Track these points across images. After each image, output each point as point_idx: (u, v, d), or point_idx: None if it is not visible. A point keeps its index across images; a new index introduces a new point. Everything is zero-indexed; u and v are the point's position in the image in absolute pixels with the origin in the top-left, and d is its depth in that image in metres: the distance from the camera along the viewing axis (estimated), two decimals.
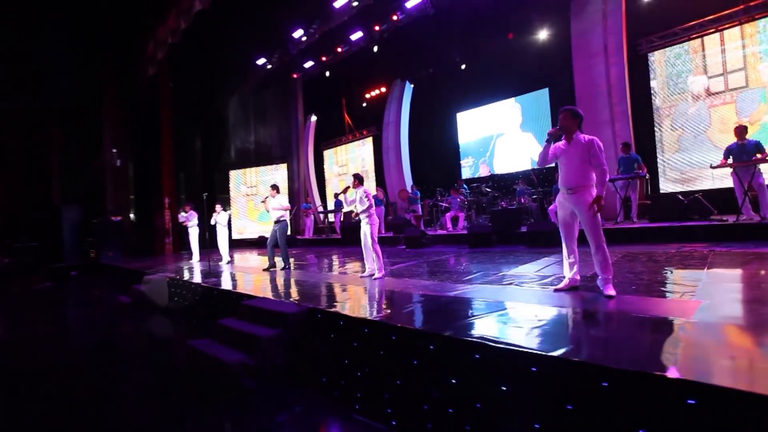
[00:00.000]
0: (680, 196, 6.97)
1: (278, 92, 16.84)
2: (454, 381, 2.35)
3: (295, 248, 12.50)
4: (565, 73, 10.93)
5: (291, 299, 4.01)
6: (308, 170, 17.08)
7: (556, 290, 3.50)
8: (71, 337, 5.83)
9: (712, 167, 6.28)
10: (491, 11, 11.68)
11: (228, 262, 8.97)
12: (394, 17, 11.96)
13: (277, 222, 6.89)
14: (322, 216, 15.93)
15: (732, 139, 6.23)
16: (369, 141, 15.64)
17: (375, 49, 13.21)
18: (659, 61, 8.58)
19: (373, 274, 5.23)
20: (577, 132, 3.23)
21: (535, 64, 11.89)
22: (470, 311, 3.05)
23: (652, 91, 8.70)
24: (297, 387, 3.30)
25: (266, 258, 7.09)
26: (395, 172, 14.42)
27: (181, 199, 15.74)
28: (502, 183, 12.82)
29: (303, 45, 13.88)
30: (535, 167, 12.20)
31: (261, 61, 15.22)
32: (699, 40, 8.14)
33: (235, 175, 17.32)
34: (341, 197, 5.71)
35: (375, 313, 3.21)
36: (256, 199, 16.69)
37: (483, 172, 14.11)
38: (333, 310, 3.37)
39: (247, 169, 17.17)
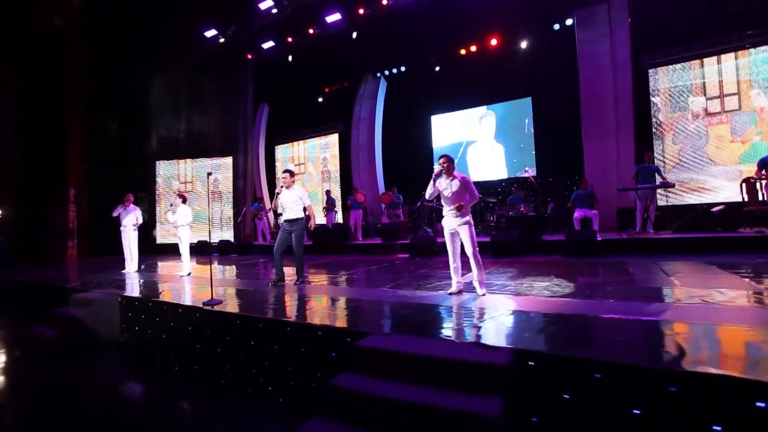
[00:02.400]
0: (711, 209, 7.00)
1: (224, 73, 14.36)
2: None
3: (251, 256, 10.41)
4: (552, 83, 10.99)
5: (446, 335, 2.58)
6: (258, 166, 14.83)
7: None
8: None
9: (752, 180, 6.34)
10: (475, 14, 11.28)
11: (189, 274, 6.79)
12: (384, 1, 10.83)
13: (291, 222, 5.17)
14: (273, 219, 13.83)
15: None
16: (334, 138, 14.09)
17: (354, 35, 11.90)
18: (662, 78, 8.86)
19: (460, 290, 4.01)
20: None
21: (518, 72, 11.76)
22: None
23: (654, 107, 8.92)
24: None
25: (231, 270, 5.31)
26: (366, 173, 13.12)
27: (90, 191, 12.34)
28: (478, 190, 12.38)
29: (268, 20, 11.93)
30: (522, 174, 12.06)
31: (210, 33, 12.77)
32: (698, 61, 8.55)
33: (164, 167, 14.25)
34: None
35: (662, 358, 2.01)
36: (192, 197, 13.88)
37: None
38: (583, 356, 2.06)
39: (181, 162, 14.26)
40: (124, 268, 7.79)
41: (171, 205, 7.05)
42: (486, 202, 10.40)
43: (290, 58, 13.25)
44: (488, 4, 10.78)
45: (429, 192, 4.03)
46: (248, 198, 14.13)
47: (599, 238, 6.46)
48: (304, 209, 5.22)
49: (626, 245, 6.76)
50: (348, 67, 13.25)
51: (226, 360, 3.47)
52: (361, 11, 11.27)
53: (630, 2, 8.89)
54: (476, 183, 12.27)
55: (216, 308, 3.74)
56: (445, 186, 3.95)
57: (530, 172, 12.51)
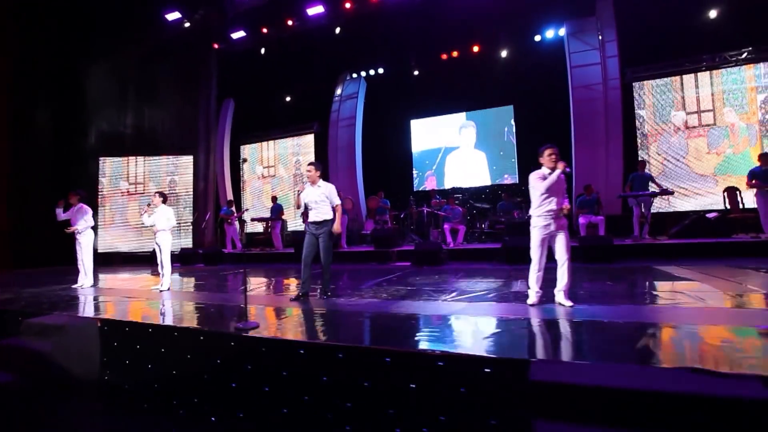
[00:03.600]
0: (707, 215, 7.30)
1: (184, 63, 12.91)
2: None
3: (222, 266, 9.24)
4: (536, 91, 11.18)
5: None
6: (223, 167, 13.47)
7: None
8: None
9: (736, 189, 6.71)
10: (460, 21, 11.22)
11: (168, 289, 5.67)
12: None
13: (318, 224, 4.42)
14: (244, 224, 12.59)
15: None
16: (309, 139, 13.22)
17: (337, 31, 11.24)
18: (647, 92, 9.28)
19: (541, 301, 3.57)
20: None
21: (500, 79, 11.85)
22: None
23: (640, 118, 9.31)
24: None
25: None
26: (346, 176, 12.40)
27: (15, 191, 10.32)
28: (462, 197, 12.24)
29: (243, 7, 10.89)
30: (503, 182, 12.09)
31: (173, 17, 11.39)
32: (678, 78, 9.08)
33: (110, 165, 12.41)
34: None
35: None
36: (142, 201, 12.20)
37: (429, 185, 13.42)
38: None
39: (131, 159, 12.52)
40: (76, 282, 6.41)
41: (148, 205, 5.90)
42: (479, 208, 10.22)
43: (263, 50, 12.23)
44: (474, 11, 10.74)
45: (545, 187, 3.56)
46: (210, 201, 12.76)
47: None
48: (333, 209, 4.50)
49: (631, 251, 6.83)
50: (327, 64, 12.52)
51: (283, 403, 2.67)
52: (348, 5, 10.67)
53: (617, 17, 9.24)
54: (457, 189, 12.43)
55: (252, 333, 2.91)
56: (556, 183, 3.55)
57: (509, 179, 12.69)
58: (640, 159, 8.36)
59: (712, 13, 8.86)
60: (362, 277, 6.27)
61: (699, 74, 8.95)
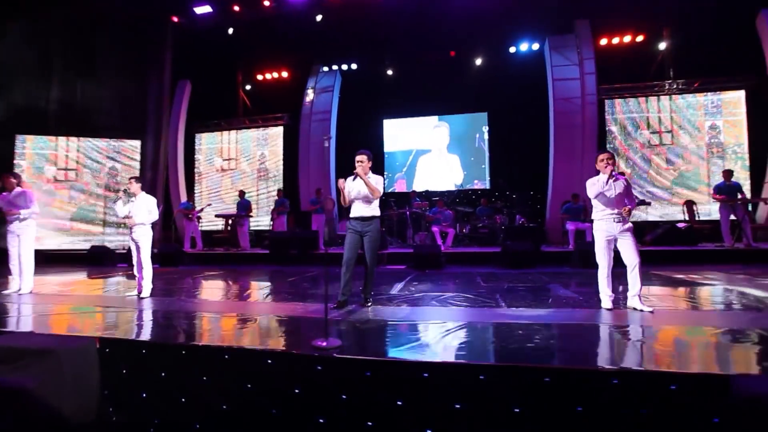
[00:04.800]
0: (677, 225, 7.95)
1: (132, 35, 11.26)
2: None
3: (183, 268, 8.10)
4: (511, 100, 11.51)
5: None
6: (176, 156, 11.96)
7: None
8: None
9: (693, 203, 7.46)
10: (439, 24, 11.25)
11: (149, 295, 4.70)
12: None
13: (364, 221, 3.90)
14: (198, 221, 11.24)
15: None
16: (277, 131, 12.26)
17: (318, 18, 10.57)
18: (618, 110, 9.97)
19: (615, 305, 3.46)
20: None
21: (476, 86, 12.04)
22: None
23: (611, 134, 9.97)
24: None
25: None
26: (318, 173, 11.69)
27: None
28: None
29: None
30: (473, 186, 12.24)
31: None
32: (644, 98, 9.88)
33: (32, 146, 10.36)
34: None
35: None
36: (74, 189, 10.38)
37: (399, 187, 13.25)
38: None
39: (61, 140, 10.57)
40: (7, 287, 5.10)
41: (124, 191, 4.86)
42: (460, 212, 10.19)
43: (231, 30, 11.10)
44: (455, 17, 10.80)
45: (595, 192, 3.48)
46: (160, 193, 11.22)
47: None
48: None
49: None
50: (301, 53, 11.75)
51: None
52: None
53: (592, 37, 9.83)
54: (428, 192, 12.36)
55: (340, 354, 2.37)
56: (608, 187, 3.47)
57: (479, 184, 12.94)
58: (619, 171, 8.91)
59: (672, 44, 9.82)
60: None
61: (662, 97, 9.83)
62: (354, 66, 12.30)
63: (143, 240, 4.76)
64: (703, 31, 9.40)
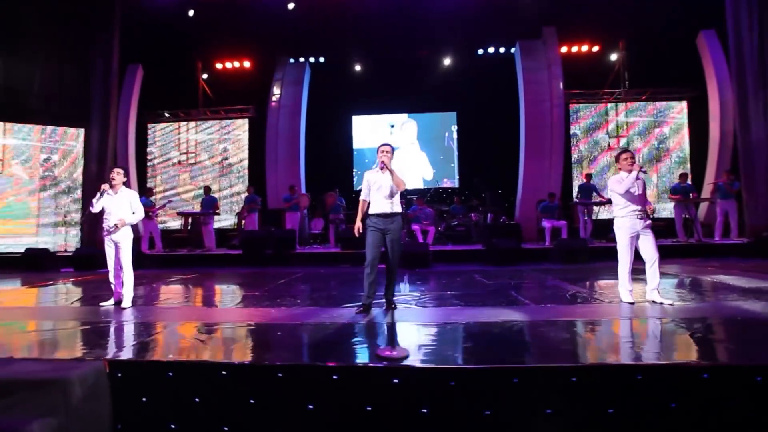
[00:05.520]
0: None
1: (72, 9, 9.95)
2: None
3: (139, 270, 7.31)
4: (480, 101, 11.80)
5: None
6: (127, 147, 10.78)
7: None
8: None
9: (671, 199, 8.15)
10: (410, 21, 11.26)
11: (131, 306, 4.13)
12: None
13: (387, 217, 3.70)
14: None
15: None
16: (242, 124, 11.52)
17: (291, 6, 10.05)
18: (581, 114, 10.58)
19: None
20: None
21: (446, 85, 12.17)
22: None
23: (575, 136, 10.56)
24: None
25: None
26: (287, 170, 11.14)
27: None
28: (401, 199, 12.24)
29: None
30: (441, 185, 12.39)
31: None
32: (604, 105, 10.59)
33: None
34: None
35: None
36: (1, 182, 8.99)
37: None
38: None
39: None
40: None
41: (111, 186, 4.23)
42: (436, 210, 10.23)
43: (191, 12, 10.21)
44: (426, 16, 10.84)
45: (625, 188, 3.62)
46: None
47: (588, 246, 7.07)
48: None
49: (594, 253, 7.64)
50: (268, 42, 11.11)
51: None
52: None
53: (558, 43, 10.34)
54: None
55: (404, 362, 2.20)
56: (634, 185, 3.59)
57: (448, 183, 13.14)
58: (586, 172, 9.46)
59: (627, 56, 10.62)
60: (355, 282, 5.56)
61: (619, 105, 10.60)
62: (322, 59, 11.90)
63: (124, 241, 4.18)
64: (653, 46, 10.29)
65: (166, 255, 8.60)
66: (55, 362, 2.39)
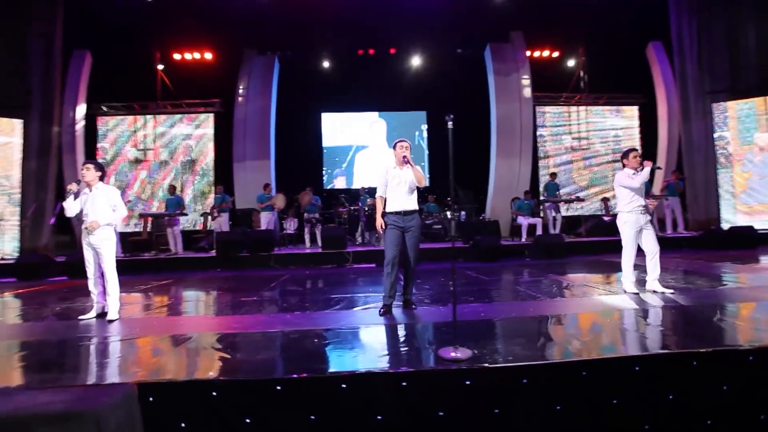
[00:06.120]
0: (603, 218, 9.17)
1: None
2: None
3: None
4: (450, 101, 11.91)
5: None
6: (75, 142, 9.71)
7: None
8: None
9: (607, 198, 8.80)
10: (381, 19, 11.24)
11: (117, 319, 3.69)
12: None
13: (406, 215, 3.59)
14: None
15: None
16: (206, 119, 10.80)
17: None
18: (547, 116, 11.10)
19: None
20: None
21: (416, 85, 12.25)
22: None
23: (542, 137, 11.06)
24: None
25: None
26: (255, 167, 10.63)
27: None
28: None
29: None
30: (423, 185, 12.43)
31: None
32: (567, 108, 11.20)
33: None
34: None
35: None
36: None
37: (338, 183, 12.90)
38: None
39: None
40: None
41: (77, 182, 3.75)
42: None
43: None
44: (398, 15, 10.84)
45: (639, 183, 3.80)
46: (50, 186, 9.02)
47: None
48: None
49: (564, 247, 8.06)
50: (234, 32, 10.50)
51: None
52: None
53: (526, 47, 10.78)
54: (373, 190, 12.20)
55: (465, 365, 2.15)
56: (639, 180, 3.78)
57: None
58: (551, 171, 9.94)
59: (586, 62, 11.31)
60: (365, 283, 5.45)
61: (580, 108, 11.27)
62: (290, 54, 11.49)
63: (105, 246, 3.73)
64: (609, 54, 11.02)
65: (127, 260, 7.85)
66: (78, 389, 2.05)
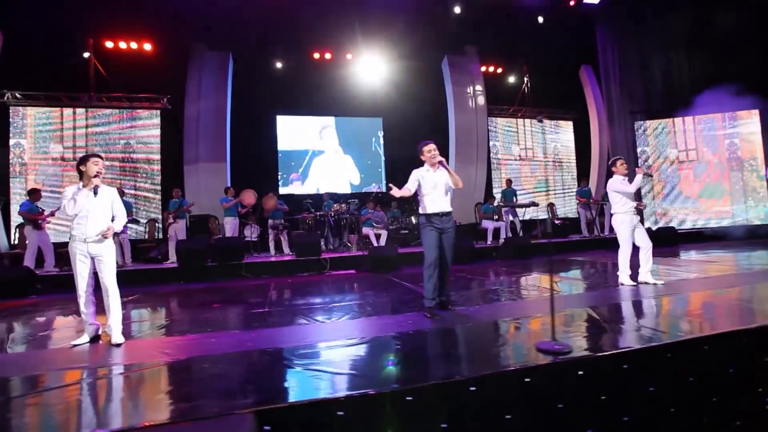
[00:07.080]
0: (556, 221, 10.07)
1: None
2: None
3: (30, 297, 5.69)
4: (406, 108, 12.27)
5: None
6: None
7: None
8: None
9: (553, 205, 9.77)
10: (337, 22, 11.27)
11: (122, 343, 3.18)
12: None
13: (443, 216, 3.69)
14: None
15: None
16: (152, 115, 9.71)
17: None
18: (498, 127, 11.91)
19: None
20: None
21: (369, 91, 12.34)
22: None
23: (495, 147, 11.81)
24: None
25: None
26: (209, 170, 9.82)
27: None
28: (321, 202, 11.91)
29: None
30: (370, 189, 12.47)
31: None
32: (513, 119, 12.14)
33: None
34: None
35: None
36: None
37: (294, 188, 12.50)
38: None
39: None
40: None
41: (77, 190, 3.17)
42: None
43: None
44: (354, 20, 10.93)
45: (634, 188, 4.30)
46: None
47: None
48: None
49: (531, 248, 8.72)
50: (181, 26, 9.60)
51: None
52: None
53: (479, 61, 11.52)
54: (331, 194, 12.01)
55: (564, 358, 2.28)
56: (634, 186, 4.25)
57: (376, 188, 13.29)
58: (507, 178, 10.68)
59: (530, 79, 12.40)
60: (369, 287, 5.35)
61: (525, 120, 12.28)
62: (245, 52, 10.88)
63: (107, 255, 3.22)
64: (549, 73, 12.23)
65: (64, 274, 6.71)
66: (189, 425, 1.73)
